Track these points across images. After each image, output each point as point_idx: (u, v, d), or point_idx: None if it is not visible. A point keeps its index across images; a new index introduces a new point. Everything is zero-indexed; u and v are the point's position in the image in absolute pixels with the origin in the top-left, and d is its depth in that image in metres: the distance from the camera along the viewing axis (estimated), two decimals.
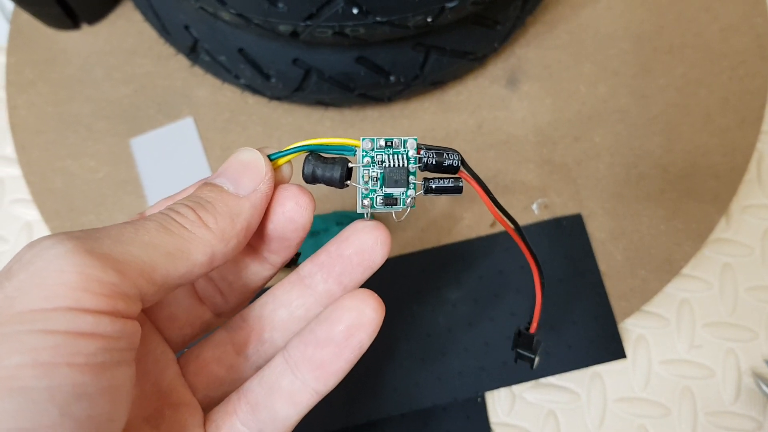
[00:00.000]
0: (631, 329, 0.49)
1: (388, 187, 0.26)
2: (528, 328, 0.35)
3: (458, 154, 0.26)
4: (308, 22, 0.36)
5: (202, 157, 0.50)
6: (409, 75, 0.45)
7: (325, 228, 0.47)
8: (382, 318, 0.25)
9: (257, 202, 0.24)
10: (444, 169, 0.26)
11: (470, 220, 0.48)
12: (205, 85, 0.52)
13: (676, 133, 0.50)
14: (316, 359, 0.25)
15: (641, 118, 0.50)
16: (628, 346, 0.48)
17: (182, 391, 0.26)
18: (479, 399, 0.47)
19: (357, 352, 0.25)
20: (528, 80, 0.51)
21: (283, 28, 0.37)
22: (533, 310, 0.35)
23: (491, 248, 0.47)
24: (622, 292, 0.47)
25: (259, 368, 0.27)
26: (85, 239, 0.20)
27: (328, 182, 0.26)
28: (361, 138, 0.25)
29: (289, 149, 0.25)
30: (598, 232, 0.48)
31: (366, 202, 0.26)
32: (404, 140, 0.25)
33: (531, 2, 0.46)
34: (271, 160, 0.25)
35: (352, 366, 0.25)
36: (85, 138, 0.51)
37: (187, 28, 0.44)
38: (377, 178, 0.26)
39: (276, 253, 0.27)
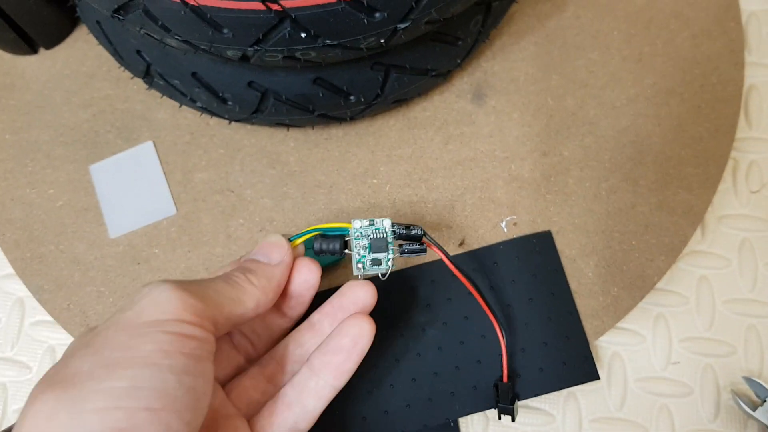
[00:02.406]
0: (606, 346, 0.48)
1: (374, 252, 0.38)
2: (501, 378, 0.43)
3: (421, 227, 0.40)
4: (256, 47, 0.35)
5: (162, 180, 0.49)
6: (369, 94, 0.43)
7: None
8: (375, 330, 0.37)
9: (284, 268, 0.37)
10: (411, 237, 0.39)
11: (438, 240, 0.47)
12: (165, 108, 0.50)
13: (646, 144, 0.49)
14: (332, 363, 0.36)
15: (611, 130, 0.49)
16: (603, 365, 0.47)
17: (229, 408, 0.36)
18: (452, 423, 0.46)
19: (361, 355, 0.37)
20: (495, 94, 0.50)
21: (231, 53, 0.36)
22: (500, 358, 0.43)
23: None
24: (594, 310, 0.45)
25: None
26: (180, 283, 0.31)
27: (332, 253, 0.38)
28: (352, 220, 0.39)
29: (302, 233, 0.39)
30: (568, 249, 0.47)
31: (359, 265, 0.39)
32: (383, 220, 0.39)
33: (493, 16, 0.45)
34: (289, 241, 0.38)
35: (357, 366, 0.37)
36: (44, 165, 0.50)
37: (138, 52, 0.43)
38: (366, 247, 0.39)
39: (294, 309, 0.39)
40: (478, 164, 0.49)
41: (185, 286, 0.31)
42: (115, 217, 0.48)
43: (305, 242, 0.39)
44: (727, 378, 0.47)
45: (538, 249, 0.47)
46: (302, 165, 0.49)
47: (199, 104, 0.45)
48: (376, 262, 0.38)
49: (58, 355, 0.48)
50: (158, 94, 0.51)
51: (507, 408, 0.42)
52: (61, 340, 0.48)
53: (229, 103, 0.43)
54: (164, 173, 0.49)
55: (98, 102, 0.51)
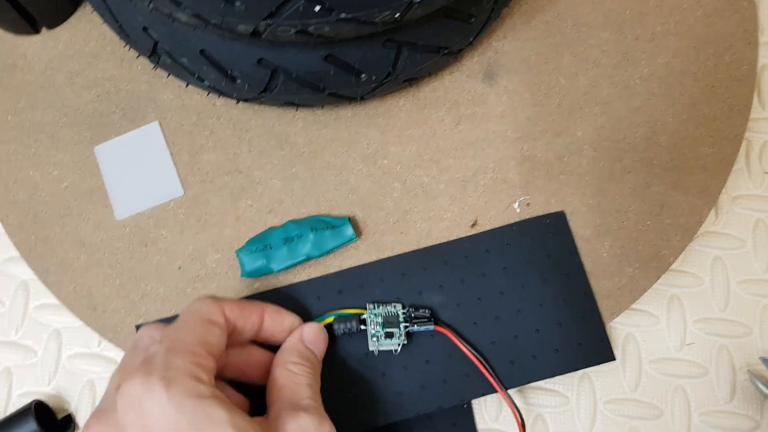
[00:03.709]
0: (620, 328, 0.47)
1: (387, 328, 0.42)
2: None
3: (430, 309, 0.44)
4: (268, 21, 0.34)
5: (169, 162, 0.48)
6: (380, 73, 0.43)
7: (299, 234, 0.45)
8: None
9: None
10: (420, 317, 0.43)
11: (450, 221, 0.46)
12: (171, 88, 0.50)
13: (660, 124, 0.48)
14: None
15: (624, 110, 0.49)
16: (617, 346, 0.46)
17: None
18: (465, 405, 0.45)
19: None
20: (506, 74, 0.49)
21: (242, 27, 0.35)
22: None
23: (473, 250, 0.45)
24: (609, 290, 0.45)
25: None
26: (218, 299, 0.39)
27: (350, 331, 0.43)
28: (367, 304, 0.44)
29: (323, 317, 0.43)
30: (582, 230, 0.46)
31: (374, 339, 0.42)
32: (394, 304, 0.44)
33: None
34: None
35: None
36: (48, 147, 0.49)
37: (145, 29, 0.42)
38: (379, 323, 0.43)
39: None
40: (490, 145, 0.48)
41: (220, 301, 0.39)
42: (121, 199, 0.48)
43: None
44: (742, 359, 0.46)
45: (552, 230, 0.46)
46: (311, 146, 0.48)
47: (206, 83, 0.44)
48: (389, 335, 0.42)
49: (64, 339, 0.48)
50: (164, 75, 0.50)
51: None
52: (66, 323, 0.48)
53: (238, 81, 0.42)
54: (171, 154, 0.48)
55: (102, 83, 0.50)
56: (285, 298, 0.45)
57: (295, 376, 0.38)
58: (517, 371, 0.43)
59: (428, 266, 0.45)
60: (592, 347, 0.44)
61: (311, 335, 0.41)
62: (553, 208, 0.46)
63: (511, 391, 0.45)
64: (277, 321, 0.41)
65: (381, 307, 0.43)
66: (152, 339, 0.37)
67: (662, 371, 0.46)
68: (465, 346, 0.43)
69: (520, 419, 0.42)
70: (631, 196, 0.47)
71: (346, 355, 0.44)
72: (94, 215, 0.48)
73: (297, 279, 0.45)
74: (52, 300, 0.47)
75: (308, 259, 0.45)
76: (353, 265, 0.46)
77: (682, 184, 0.47)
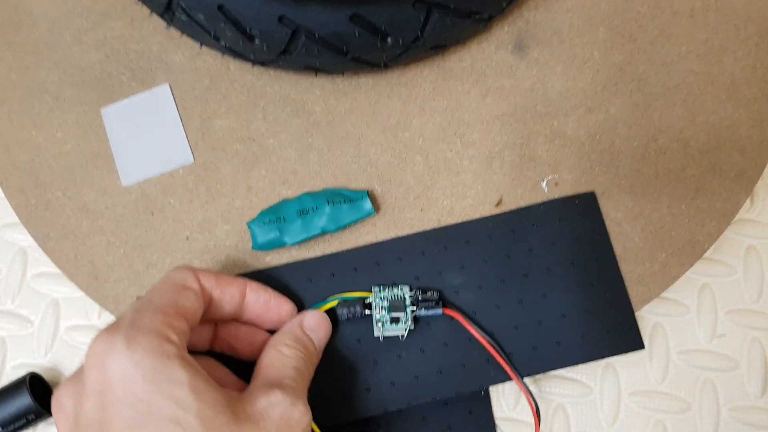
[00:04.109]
0: (647, 317, 0.45)
1: (393, 312, 0.40)
2: None
3: (438, 291, 0.42)
4: None
5: (179, 127, 0.46)
6: (408, 36, 0.40)
7: (314, 207, 0.42)
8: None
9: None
10: (428, 300, 0.41)
11: (474, 198, 0.44)
12: (183, 50, 0.47)
13: (698, 103, 0.46)
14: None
15: (660, 88, 0.46)
16: (644, 336, 0.44)
17: None
18: (483, 392, 0.43)
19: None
20: (537, 46, 0.47)
21: None
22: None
23: (497, 229, 0.43)
24: (640, 276, 0.43)
25: None
26: (193, 268, 0.37)
27: (353, 316, 0.41)
28: (372, 286, 0.41)
29: (325, 301, 0.41)
30: (613, 212, 0.44)
31: (379, 324, 0.40)
32: (401, 286, 0.42)
33: None
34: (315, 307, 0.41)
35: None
36: (53, 107, 0.47)
37: None
38: (385, 308, 0.40)
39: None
40: (518, 119, 0.45)
41: (197, 272, 0.37)
42: (127, 164, 0.45)
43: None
44: None
45: (581, 211, 0.44)
46: (329, 115, 0.46)
47: (222, 43, 0.41)
48: (395, 320, 0.40)
49: (62, 310, 0.45)
50: (176, 36, 0.47)
51: None
52: (65, 293, 0.45)
53: (257, 41, 0.40)
54: (181, 119, 0.46)
55: (111, 42, 0.48)
56: (298, 273, 0.42)
57: (283, 357, 0.36)
58: (540, 358, 0.41)
59: (449, 245, 0.43)
60: (621, 335, 0.41)
61: (312, 322, 0.39)
62: (583, 189, 0.44)
63: (530, 379, 0.43)
64: (262, 299, 0.38)
65: (387, 290, 0.41)
66: None
67: (691, 363, 0.44)
68: (477, 331, 0.41)
69: (535, 408, 0.40)
70: (666, 177, 0.44)
71: (353, 340, 0.41)
72: (99, 180, 0.45)
73: (311, 254, 0.43)
74: (52, 268, 0.45)
75: (323, 233, 0.42)
76: (370, 242, 0.43)
77: (719, 168, 0.44)
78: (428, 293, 0.41)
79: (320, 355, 0.39)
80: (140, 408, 0.29)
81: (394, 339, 0.41)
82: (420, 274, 0.42)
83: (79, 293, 0.44)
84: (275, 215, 0.42)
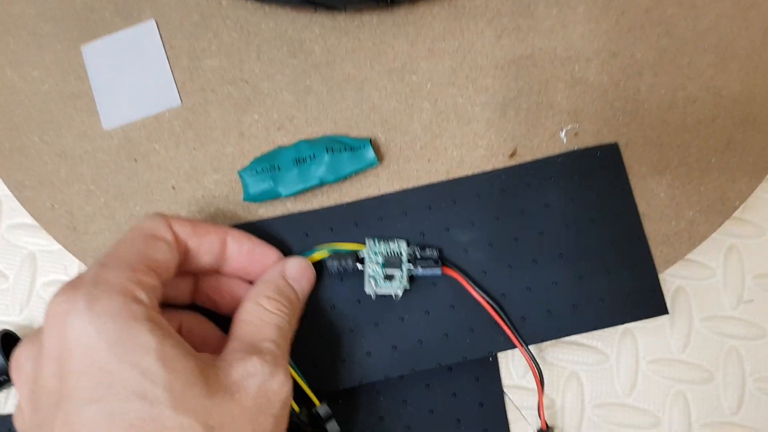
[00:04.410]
0: (669, 279, 0.41)
1: (387, 269, 0.37)
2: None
3: (438, 249, 0.38)
4: None
5: (165, 66, 0.42)
6: None
7: (312, 155, 0.39)
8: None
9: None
10: (426, 258, 0.38)
11: (486, 149, 0.40)
12: None
13: (731, 50, 0.42)
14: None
15: (690, 32, 0.42)
16: (666, 300, 0.41)
17: None
18: (491, 358, 0.40)
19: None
20: None
21: None
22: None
23: (511, 183, 0.40)
24: (665, 236, 0.39)
25: None
26: (165, 215, 0.33)
27: (345, 270, 0.37)
28: (366, 239, 0.38)
29: (312, 251, 0.37)
30: (637, 165, 0.40)
31: (372, 281, 0.36)
32: (399, 241, 0.38)
33: None
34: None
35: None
36: (29, 44, 0.43)
37: None
38: (379, 263, 0.37)
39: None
40: (536, 63, 0.42)
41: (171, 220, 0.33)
42: (109, 106, 0.42)
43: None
44: None
45: (603, 163, 0.40)
46: (329, 55, 0.42)
47: None
48: (389, 278, 0.36)
49: (39, 264, 0.42)
50: None
51: None
52: (42, 246, 0.42)
53: None
54: (168, 58, 0.42)
55: None
56: (293, 227, 0.39)
57: (264, 312, 0.32)
58: (555, 322, 0.38)
59: (458, 199, 0.39)
60: (643, 299, 0.38)
61: (295, 270, 0.35)
62: (606, 139, 0.40)
63: (541, 346, 0.40)
64: (245, 248, 0.35)
65: (382, 244, 0.37)
66: None
67: (715, 330, 0.41)
68: (478, 293, 0.37)
69: (538, 375, 0.37)
70: (695, 129, 0.41)
71: (353, 300, 0.38)
72: (79, 123, 0.42)
73: (307, 207, 0.40)
74: (27, 219, 0.41)
75: (322, 184, 0.39)
76: (373, 195, 0.40)
77: (753, 119, 0.41)
78: (427, 250, 0.38)
79: (303, 306, 0.36)
80: (101, 379, 0.26)
81: (395, 301, 0.38)
82: (426, 230, 0.39)
83: (57, 246, 0.41)
84: (269, 164, 0.39)
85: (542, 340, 0.38)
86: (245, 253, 0.35)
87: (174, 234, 0.32)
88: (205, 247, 0.33)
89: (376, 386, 0.39)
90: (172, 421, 0.25)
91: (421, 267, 0.37)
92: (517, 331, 0.37)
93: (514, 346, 0.37)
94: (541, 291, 0.38)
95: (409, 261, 0.37)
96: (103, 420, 0.25)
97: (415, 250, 0.38)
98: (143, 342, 0.26)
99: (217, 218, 0.40)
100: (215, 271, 0.36)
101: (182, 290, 0.35)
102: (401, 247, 0.37)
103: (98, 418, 0.25)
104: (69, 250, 0.40)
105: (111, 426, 0.25)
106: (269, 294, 0.33)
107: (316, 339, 0.37)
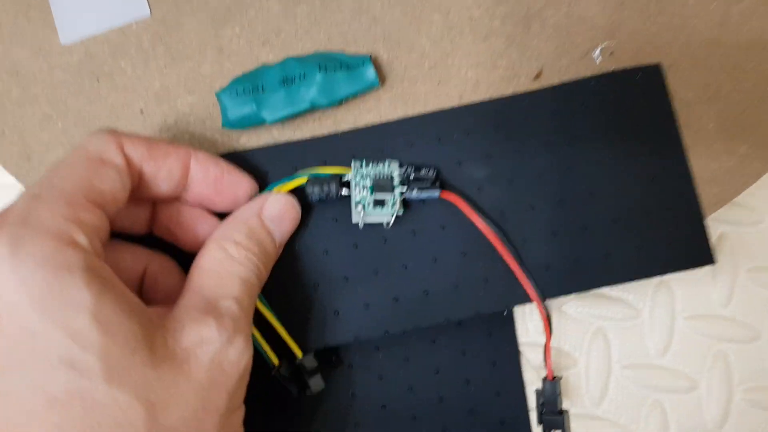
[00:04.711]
0: (712, 225, 0.36)
1: (377, 193, 0.31)
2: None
3: (436, 168, 0.33)
4: None
5: None
6: None
7: (302, 74, 0.33)
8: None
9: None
10: (422, 179, 0.33)
11: (506, 69, 0.35)
12: None
13: None
14: None
15: None
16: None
17: None
18: (505, 312, 0.35)
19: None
20: None
21: None
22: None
23: (535, 110, 0.34)
24: (714, 173, 0.34)
25: None
26: (116, 132, 0.27)
27: (327, 195, 0.31)
28: (352, 161, 0.32)
29: (290, 178, 0.32)
30: (683, 91, 0.34)
31: (359, 207, 0.31)
32: (389, 161, 0.32)
33: None
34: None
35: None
36: None
37: None
38: (367, 187, 0.32)
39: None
40: None
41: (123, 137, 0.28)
42: (68, 18, 0.36)
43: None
44: None
45: (643, 88, 0.34)
46: None
47: None
48: (380, 202, 0.31)
49: None
50: None
51: (555, 420, 0.33)
52: None
53: None
54: None
55: None
56: (279, 159, 0.34)
57: (229, 261, 0.27)
58: (583, 272, 0.33)
59: (473, 129, 0.34)
60: (686, 246, 0.33)
61: (276, 209, 0.30)
62: (646, 60, 0.35)
63: (564, 297, 0.35)
64: (212, 174, 0.29)
65: (371, 166, 0.32)
66: None
67: (763, 283, 0.36)
68: (482, 221, 0.32)
69: (548, 325, 0.33)
70: (752, 49, 0.35)
71: (349, 244, 0.33)
72: (33, 37, 0.36)
73: (297, 135, 0.34)
74: None
75: (313, 108, 0.33)
76: (373, 123, 0.34)
77: None
78: (423, 171, 0.33)
79: (279, 254, 0.30)
80: (21, 342, 0.20)
81: (401, 244, 0.33)
82: (436, 164, 0.33)
83: (9, 178, 0.35)
84: (252, 84, 0.33)
85: (568, 293, 0.32)
86: (212, 181, 0.29)
87: (125, 157, 0.26)
88: (163, 172, 0.28)
89: (374, 341, 0.34)
90: (104, 396, 0.21)
91: (417, 189, 0.32)
92: (535, 281, 0.32)
93: (531, 300, 0.32)
94: (568, 236, 0.33)
95: (402, 183, 0.32)
96: (19, 392, 0.20)
97: (409, 170, 0.33)
98: (76, 297, 0.21)
99: (191, 145, 0.34)
100: (176, 199, 0.30)
101: (137, 219, 0.30)
102: (392, 169, 0.32)
103: (13, 390, 0.20)
104: (23, 183, 0.35)
105: (28, 400, 0.20)
106: (238, 238, 0.28)
107: (302, 287, 0.32)
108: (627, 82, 0.34)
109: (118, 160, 0.26)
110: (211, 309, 0.25)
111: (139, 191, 0.28)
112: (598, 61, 0.35)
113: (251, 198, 0.30)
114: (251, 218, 0.29)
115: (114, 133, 0.27)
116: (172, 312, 0.25)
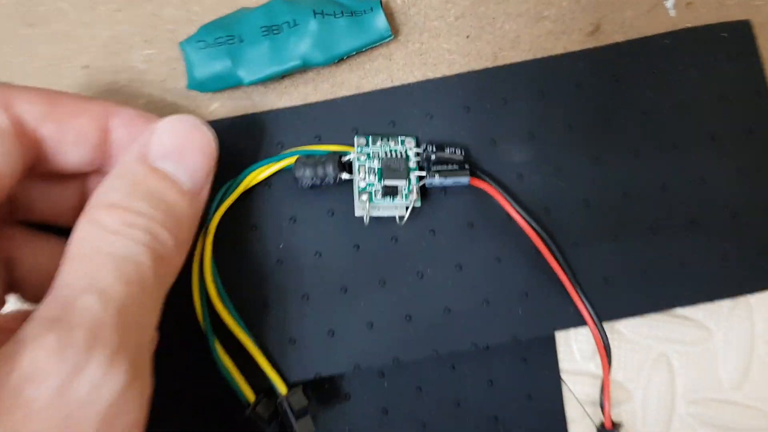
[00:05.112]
0: None
1: (387, 178, 0.25)
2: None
3: (463, 149, 0.25)
4: None
5: None
6: None
7: (292, 21, 0.25)
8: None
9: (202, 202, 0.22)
10: (446, 162, 0.25)
11: (555, 21, 0.27)
12: None
13: None
14: None
15: None
16: None
17: None
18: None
19: None
20: None
21: None
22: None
23: (591, 74, 0.27)
24: None
25: None
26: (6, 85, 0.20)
27: (322, 179, 0.25)
28: (355, 137, 0.25)
29: (280, 156, 0.25)
30: None
31: (364, 196, 0.24)
32: (402, 138, 0.26)
33: None
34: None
35: None
36: None
37: None
38: (374, 171, 0.25)
39: None
40: None
41: None
42: None
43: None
44: None
45: (729, 48, 0.27)
46: None
47: None
48: (391, 191, 0.25)
49: None
50: None
51: None
52: None
53: None
54: None
55: None
56: (261, 132, 0.26)
57: (101, 235, 0.18)
58: (651, 288, 0.26)
59: (511, 97, 0.27)
60: None
61: (167, 141, 0.21)
62: (732, 15, 0.28)
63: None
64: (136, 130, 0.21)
65: (379, 143, 0.25)
66: None
67: None
68: (523, 218, 0.25)
69: (607, 355, 0.25)
70: None
71: (350, 244, 0.26)
72: None
73: (284, 102, 0.27)
74: None
75: (305, 66, 0.26)
76: (382, 87, 0.27)
77: None
78: (447, 150, 0.25)
79: (202, 205, 0.22)
80: None
81: (417, 246, 0.25)
82: (464, 142, 0.26)
83: None
84: (226, 33, 0.26)
85: (631, 315, 0.25)
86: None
87: (13, 117, 0.19)
88: (70, 136, 0.20)
89: (394, 369, 0.27)
90: None
91: (438, 174, 0.25)
92: (588, 300, 0.25)
93: (582, 323, 0.25)
94: (632, 241, 0.26)
95: (419, 167, 0.25)
96: None
97: (429, 149, 0.25)
98: None
99: (148, 110, 0.26)
100: (98, 174, 0.23)
101: (59, 205, 0.22)
102: (407, 147, 0.25)
103: None
104: None
105: None
106: (114, 197, 0.19)
107: (287, 300, 0.25)
108: (709, 42, 0.27)
109: (5, 124, 0.18)
110: (58, 319, 0.17)
111: (39, 166, 0.20)
112: (672, 13, 0.27)
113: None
114: (131, 164, 0.20)
115: (4, 87, 0.19)
116: (21, 328, 0.17)
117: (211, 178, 0.22)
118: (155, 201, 0.19)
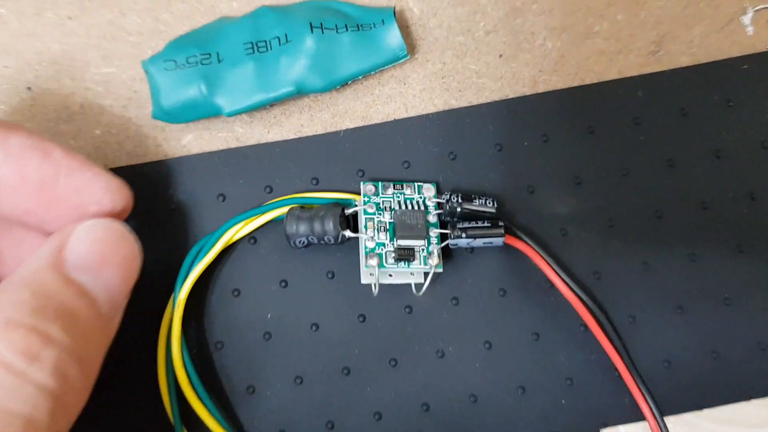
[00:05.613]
0: None
1: (401, 238, 0.20)
2: None
3: (495, 199, 0.21)
4: None
5: None
6: None
7: (283, 35, 0.21)
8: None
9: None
10: (476, 217, 0.21)
11: (607, 39, 0.22)
12: None
13: None
14: None
15: None
16: None
17: None
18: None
19: None
20: None
21: None
22: None
23: (652, 104, 0.22)
24: None
25: None
26: None
27: (320, 237, 0.20)
28: (362, 184, 0.21)
29: (266, 207, 0.21)
30: None
31: (372, 260, 0.20)
32: (420, 185, 0.21)
33: None
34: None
35: None
36: None
37: None
38: (386, 226, 0.20)
39: None
40: None
41: None
42: None
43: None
44: None
45: None
46: None
47: None
48: (406, 255, 0.20)
49: None
50: None
51: None
52: None
53: None
54: None
55: None
56: (242, 175, 0.21)
57: None
58: (726, 374, 0.21)
59: (553, 132, 0.22)
60: None
61: (84, 247, 0.17)
62: None
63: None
64: (35, 174, 0.17)
65: (391, 190, 0.21)
66: None
67: None
68: (568, 287, 0.20)
69: None
70: None
71: (353, 315, 0.21)
72: None
73: (272, 136, 0.22)
74: None
75: (300, 93, 0.21)
76: (395, 117, 0.22)
77: None
78: (476, 201, 0.20)
79: (113, 333, 0.17)
80: None
81: (436, 319, 0.21)
82: (493, 189, 0.21)
83: None
84: (201, 50, 0.21)
85: (700, 408, 0.21)
86: (35, 185, 0.17)
87: None
88: (9, 180, 0.17)
89: None
90: None
91: (468, 232, 0.20)
92: (648, 389, 0.20)
93: (643, 417, 0.20)
94: (703, 314, 0.21)
95: (441, 222, 0.21)
96: None
97: (454, 199, 0.20)
98: None
99: (105, 150, 0.21)
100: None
101: None
102: (427, 195, 0.21)
103: None
104: None
105: None
106: (13, 314, 0.15)
107: (277, 383, 0.20)
108: None
109: None
110: None
111: None
112: (750, 31, 0.22)
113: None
114: (42, 270, 0.16)
115: None
116: None
117: (126, 301, 0.18)
118: (69, 323, 0.15)
